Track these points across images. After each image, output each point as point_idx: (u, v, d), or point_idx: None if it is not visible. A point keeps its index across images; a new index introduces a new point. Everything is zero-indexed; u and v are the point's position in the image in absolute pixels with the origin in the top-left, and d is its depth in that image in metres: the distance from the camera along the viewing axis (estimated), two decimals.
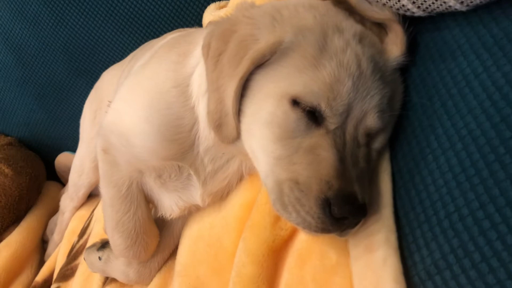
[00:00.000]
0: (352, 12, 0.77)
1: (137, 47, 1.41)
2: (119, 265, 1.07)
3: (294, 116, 0.69)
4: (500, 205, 0.53)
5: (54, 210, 1.73)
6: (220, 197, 0.94)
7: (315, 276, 0.73)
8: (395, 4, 0.74)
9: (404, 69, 0.77)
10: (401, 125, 0.75)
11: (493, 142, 0.56)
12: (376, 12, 0.76)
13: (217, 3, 1.36)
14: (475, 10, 0.66)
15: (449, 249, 0.57)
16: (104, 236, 1.12)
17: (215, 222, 0.93)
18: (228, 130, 0.77)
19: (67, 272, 1.34)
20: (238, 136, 0.77)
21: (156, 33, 1.47)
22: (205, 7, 1.36)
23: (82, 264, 1.29)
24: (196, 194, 0.93)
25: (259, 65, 0.72)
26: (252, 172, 0.90)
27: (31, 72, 1.70)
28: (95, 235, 1.32)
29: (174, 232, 1.07)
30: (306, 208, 0.65)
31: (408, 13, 0.74)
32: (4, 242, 1.57)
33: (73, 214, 1.60)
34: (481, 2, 0.63)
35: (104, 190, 0.98)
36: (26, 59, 1.67)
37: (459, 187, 0.59)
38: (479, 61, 0.63)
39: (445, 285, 0.57)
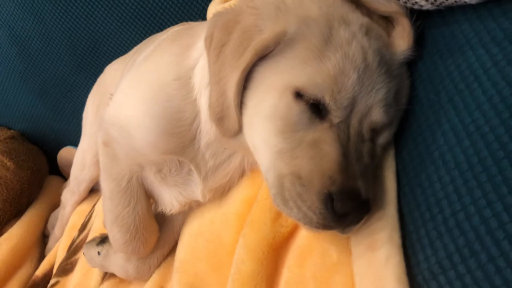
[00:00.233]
0: (358, 4, 0.75)
1: (141, 42, 1.40)
2: (118, 260, 1.06)
3: (297, 109, 0.67)
4: (508, 204, 0.51)
5: (56, 204, 1.72)
6: (221, 193, 0.92)
7: (315, 274, 0.71)
8: None
9: (411, 64, 0.75)
10: (407, 121, 0.74)
11: (503, 138, 0.54)
12: (383, 5, 0.74)
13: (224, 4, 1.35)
14: (485, 3, 0.64)
15: (454, 249, 0.55)
16: (104, 231, 1.11)
17: (215, 218, 0.92)
18: (230, 123, 0.75)
19: (67, 267, 1.33)
20: (240, 129, 0.76)
21: (160, 27, 1.45)
22: (210, 1, 1.34)
23: (82, 259, 1.28)
24: (197, 190, 0.91)
25: (262, 57, 0.70)
26: (254, 167, 0.88)
27: (35, 66, 1.69)
28: (95, 230, 1.31)
29: (174, 228, 1.06)
30: (308, 203, 0.63)
31: (416, 6, 0.72)
32: (5, 235, 1.56)
33: (74, 208, 1.58)
34: None
35: (104, 183, 0.97)
36: (30, 52, 1.66)
37: (466, 185, 0.57)
38: (488, 55, 0.61)
39: (450, 285, 0.55)
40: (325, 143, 0.65)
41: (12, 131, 1.88)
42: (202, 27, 0.88)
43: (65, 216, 1.60)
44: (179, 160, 0.89)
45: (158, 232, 1.02)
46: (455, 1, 0.66)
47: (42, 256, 1.60)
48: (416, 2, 0.71)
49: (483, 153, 0.56)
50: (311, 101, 0.66)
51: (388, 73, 0.69)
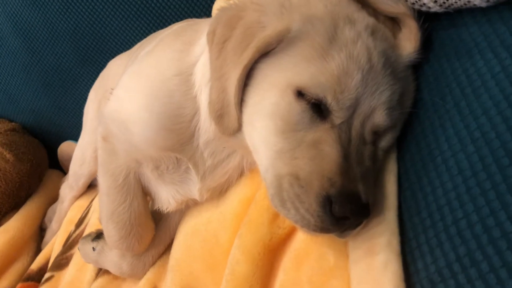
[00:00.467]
0: (365, 5, 0.74)
1: (145, 38, 1.39)
2: (112, 257, 1.05)
3: (298, 108, 0.66)
4: None
5: (54, 198, 1.71)
6: (219, 192, 0.91)
7: (311, 278, 0.70)
8: None
9: (417, 66, 0.74)
10: (411, 124, 0.72)
11: (508, 145, 0.53)
12: (391, 6, 0.72)
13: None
14: (495, 6, 0.63)
15: (455, 257, 0.54)
16: (101, 227, 1.09)
17: (213, 217, 0.91)
18: (230, 121, 0.74)
19: (62, 262, 1.32)
20: (239, 127, 0.74)
21: (165, 24, 1.43)
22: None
23: (77, 254, 1.27)
24: (194, 189, 0.90)
25: (265, 54, 0.69)
26: (253, 167, 0.87)
27: (38, 58, 1.68)
28: (92, 225, 1.30)
29: (170, 226, 1.04)
30: (306, 205, 0.62)
31: (423, 8, 0.71)
32: (2, 228, 1.55)
33: (72, 203, 1.57)
34: None
35: (101, 179, 0.96)
36: (34, 45, 1.65)
37: (469, 192, 0.55)
38: (497, 60, 0.59)
39: None
40: (326, 144, 0.64)
41: (13, 123, 1.87)
42: (206, 24, 0.87)
43: (63, 210, 1.59)
44: (177, 158, 0.88)
45: (154, 230, 1.00)
46: (464, 4, 0.64)
47: (38, 250, 1.59)
48: (424, 4, 0.69)
49: (487, 159, 0.55)
50: (313, 100, 0.65)
51: (393, 75, 0.68)
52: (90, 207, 1.43)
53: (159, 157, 0.87)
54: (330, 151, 0.63)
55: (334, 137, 0.64)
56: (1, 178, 1.59)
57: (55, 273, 1.30)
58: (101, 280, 1.10)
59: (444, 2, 0.66)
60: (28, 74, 1.74)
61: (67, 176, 1.67)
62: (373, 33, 0.68)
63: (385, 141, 0.70)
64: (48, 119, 1.85)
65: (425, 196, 0.62)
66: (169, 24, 1.37)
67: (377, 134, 0.69)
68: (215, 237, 0.88)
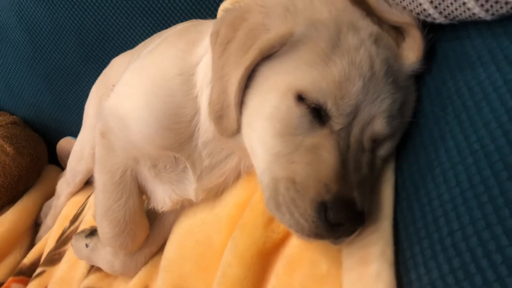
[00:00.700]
0: (370, 13, 0.73)
1: (149, 37, 1.39)
2: (105, 254, 1.04)
3: (298, 112, 0.65)
4: (508, 227, 0.49)
5: (51, 193, 1.71)
6: (215, 193, 0.90)
7: (303, 284, 0.69)
8: (415, 8, 0.70)
9: (419, 77, 0.73)
10: (410, 135, 0.71)
11: (508, 159, 0.52)
12: (396, 15, 0.72)
13: (234, 2, 1.33)
14: (500, 20, 0.62)
15: (448, 269, 0.53)
16: (95, 224, 1.09)
17: (207, 218, 0.90)
18: (229, 122, 0.74)
19: (55, 257, 1.31)
20: (238, 129, 0.74)
21: (170, 24, 1.43)
22: (222, 1, 1.33)
23: (70, 251, 1.26)
24: (190, 188, 0.90)
25: (267, 56, 0.69)
26: (250, 170, 0.86)
27: (42, 53, 1.69)
28: (86, 222, 1.30)
29: (165, 227, 1.04)
30: (301, 210, 0.61)
31: (428, 19, 0.70)
32: None
33: (68, 199, 1.57)
34: (507, 11, 0.59)
35: (97, 175, 0.95)
36: (38, 40, 1.66)
37: (466, 204, 0.55)
38: (499, 73, 0.59)
39: None
40: (324, 150, 0.63)
41: (14, 116, 1.87)
42: (210, 25, 0.87)
43: (59, 206, 1.59)
44: (175, 157, 0.87)
45: (148, 229, 1.00)
46: (469, 16, 0.63)
47: (32, 244, 1.59)
48: (429, 15, 0.69)
49: (486, 172, 0.54)
50: (313, 105, 0.64)
51: (395, 84, 0.67)
52: (86, 204, 1.43)
53: (157, 155, 0.87)
54: (328, 157, 0.63)
55: (333, 143, 0.64)
56: (0, 171, 1.59)
57: (46, 268, 1.30)
58: (92, 277, 1.10)
59: (449, 14, 0.66)
60: (31, 69, 1.75)
61: (64, 171, 1.67)
62: (376, 41, 0.68)
63: (383, 150, 0.70)
64: (48, 114, 1.85)
65: (422, 207, 0.61)
66: (174, 24, 1.37)
67: (376, 142, 0.68)
68: (208, 239, 0.87)
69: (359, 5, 0.73)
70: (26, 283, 1.32)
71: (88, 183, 1.56)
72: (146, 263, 1.03)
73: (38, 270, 1.30)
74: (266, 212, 0.76)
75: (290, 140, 0.66)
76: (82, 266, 1.17)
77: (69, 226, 1.40)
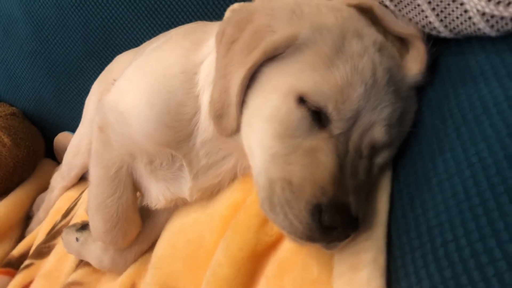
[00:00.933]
0: (375, 23, 0.74)
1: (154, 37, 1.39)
2: (95, 249, 1.03)
3: (298, 114, 0.65)
4: (502, 240, 0.48)
5: (45, 187, 1.69)
6: (210, 194, 0.90)
7: None
8: (421, 20, 0.71)
9: (420, 89, 0.74)
10: (408, 145, 0.72)
11: (505, 173, 0.52)
12: (401, 26, 0.73)
13: (241, 4, 1.34)
14: (504, 37, 0.63)
15: (439, 280, 0.53)
16: (87, 219, 1.08)
17: (200, 218, 0.90)
18: (228, 122, 0.74)
19: (44, 250, 1.30)
20: (237, 129, 0.74)
21: (176, 25, 1.42)
22: (228, 2, 1.34)
23: (59, 245, 1.26)
24: (185, 187, 0.89)
25: (270, 58, 0.69)
26: (246, 172, 0.86)
27: (46, 47, 1.69)
28: (78, 217, 1.29)
29: (157, 225, 1.03)
30: (295, 211, 0.61)
31: (433, 32, 0.71)
32: None
33: (62, 193, 1.56)
34: None
35: (93, 169, 0.95)
36: (44, 32, 1.66)
37: (461, 216, 0.54)
38: (501, 89, 0.59)
39: None
40: (322, 153, 0.63)
41: (14, 108, 1.86)
42: (216, 26, 0.87)
43: (52, 200, 1.58)
44: (172, 154, 0.87)
45: (140, 226, 0.99)
46: (474, 31, 0.64)
47: (22, 237, 1.58)
48: (434, 28, 0.70)
49: (482, 185, 0.54)
50: (314, 108, 0.65)
51: (396, 93, 0.67)
52: (79, 199, 1.42)
53: (154, 152, 0.87)
54: (326, 160, 0.63)
55: (331, 147, 0.64)
56: None
57: (35, 261, 1.28)
58: (80, 272, 1.09)
59: (454, 28, 0.67)
60: (34, 61, 1.74)
61: (60, 166, 1.66)
62: (380, 49, 0.68)
63: (381, 158, 0.70)
64: (48, 108, 1.84)
65: (416, 217, 0.61)
66: (180, 25, 1.38)
67: (374, 149, 0.68)
68: (200, 239, 0.87)
69: (365, 14, 0.74)
70: (13, 275, 1.30)
71: (82, 178, 1.55)
72: (135, 260, 1.02)
73: (26, 262, 1.29)
74: (260, 214, 0.76)
75: (289, 141, 0.66)
76: (71, 261, 1.16)
77: (61, 220, 1.39)
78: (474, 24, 0.63)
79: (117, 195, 0.92)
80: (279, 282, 0.70)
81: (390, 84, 0.67)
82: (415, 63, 0.71)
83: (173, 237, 0.93)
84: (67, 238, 1.10)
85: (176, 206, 0.97)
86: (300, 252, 0.71)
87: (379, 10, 0.73)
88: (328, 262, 0.68)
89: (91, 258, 1.05)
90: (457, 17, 0.65)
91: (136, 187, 0.95)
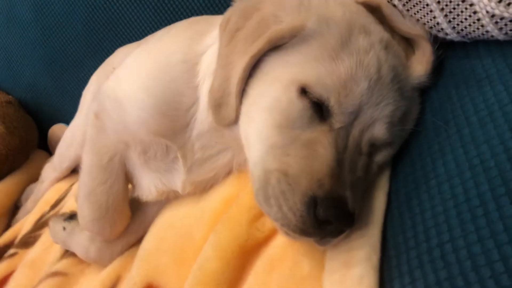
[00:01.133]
0: (383, 22, 0.73)
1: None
2: (81, 240, 1.01)
3: (299, 105, 0.64)
4: (501, 242, 0.47)
5: (36, 178, 1.66)
6: (203, 188, 0.88)
7: (281, 285, 0.66)
8: (429, 21, 0.70)
9: (423, 91, 0.73)
10: (409, 146, 0.70)
11: (506, 175, 0.51)
12: (408, 27, 0.72)
13: None
14: (511, 42, 0.62)
15: (434, 281, 0.51)
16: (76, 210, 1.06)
17: (191, 212, 0.88)
18: (227, 111, 0.72)
19: (29, 240, 1.28)
20: (235, 119, 0.73)
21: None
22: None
23: (45, 235, 1.23)
24: (178, 180, 0.88)
25: (274, 48, 0.68)
26: (242, 168, 0.84)
27: (48, 36, 1.67)
28: (67, 208, 1.27)
29: (146, 219, 1.01)
30: (290, 203, 0.59)
31: (441, 34, 0.70)
32: None
33: (52, 184, 1.53)
34: None
35: (86, 156, 0.93)
36: (46, 21, 1.64)
37: (459, 217, 0.53)
38: (506, 92, 0.58)
39: None
40: (321, 145, 0.62)
41: (10, 96, 1.84)
42: (221, 18, 0.87)
43: (41, 191, 1.55)
44: (166, 145, 0.86)
45: (129, 218, 0.97)
46: (482, 33, 0.63)
47: (8, 226, 1.54)
48: (442, 29, 0.69)
49: (483, 187, 0.53)
50: (315, 99, 0.63)
51: (400, 92, 0.67)
52: (70, 190, 1.40)
53: (148, 141, 0.85)
54: (324, 153, 0.61)
55: (331, 140, 0.62)
56: None
57: (19, 250, 1.26)
58: (65, 262, 1.06)
59: (462, 30, 0.66)
60: (34, 50, 1.73)
61: (52, 157, 1.64)
62: (386, 47, 0.68)
63: (380, 156, 0.68)
64: (45, 98, 1.82)
65: (413, 217, 0.59)
66: None
67: (374, 146, 0.67)
68: (189, 233, 0.85)
69: (373, 12, 0.73)
70: None
71: (74, 171, 1.53)
72: (122, 253, 1.00)
73: (11, 251, 1.26)
74: (253, 209, 0.75)
75: (288, 132, 0.65)
76: (56, 251, 1.13)
77: (49, 211, 1.36)
78: (482, 26, 0.62)
79: (108, 184, 0.90)
80: (268, 277, 0.68)
81: (394, 82, 0.66)
82: (420, 65, 0.71)
83: (162, 230, 0.91)
84: (54, 227, 1.08)
85: (168, 200, 0.95)
86: (291, 248, 0.69)
87: (387, 9, 0.73)
88: (320, 259, 0.66)
89: (77, 248, 1.03)
90: (466, 18, 0.64)
91: (128, 178, 0.93)
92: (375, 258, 0.59)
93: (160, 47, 0.88)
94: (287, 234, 0.63)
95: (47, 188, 1.54)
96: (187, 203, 0.90)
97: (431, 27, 0.70)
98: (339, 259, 0.62)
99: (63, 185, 1.50)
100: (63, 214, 1.11)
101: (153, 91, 0.81)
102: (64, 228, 1.05)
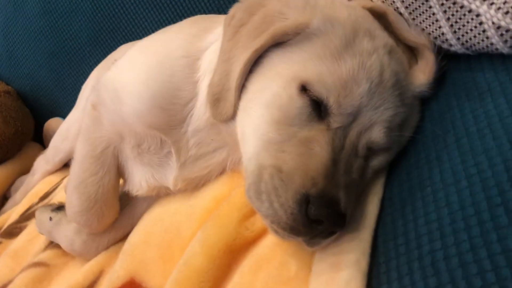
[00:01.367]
0: (387, 30, 0.73)
1: None
2: (67, 231, 0.99)
3: (299, 102, 0.64)
4: (494, 252, 0.46)
5: (27, 170, 1.65)
6: (195, 185, 0.87)
7: (267, 285, 0.65)
8: (434, 31, 0.69)
9: (424, 100, 0.72)
10: (406, 154, 0.70)
11: (503, 185, 0.50)
12: (413, 35, 0.72)
13: None
14: None
15: None
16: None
17: (181, 209, 0.86)
18: (225, 107, 0.72)
19: (15, 230, 1.26)
20: (233, 115, 0.72)
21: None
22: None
23: (31, 226, 1.21)
24: (170, 176, 0.87)
25: (277, 44, 0.68)
26: (236, 168, 0.83)
27: (52, 29, 1.66)
28: (56, 201, 1.24)
29: (135, 215, 0.99)
30: (282, 200, 0.58)
31: (445, 45, 0.70)
32: None
33: (43, 177, 1.52)
34: None
35: (79, 146, 0.92)
36: (52, 14, 1.64)
37: (453, 225, 0.52)
38: (507, 104, 0.58)
39: None
40: (317, 144, 0.61)
41: (8, 86, 1.84)
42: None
43: (31, 183, 1.54)
44: (161, 139, 0.85)
45: (118, 212, 0.96)
46: (487, 46, 0.63)
47: None
48: (446, 40, 0.69)
49: (478, 196, 0.52)
50: (315, 98, 0.63)
51: (401, 98, 0.66)
52: (60, 184, 1.38)
53: (143, 134, 0.84)
54: (320, 152, 0.60)
55: (327, 140, 0.62)
56: None
57: (3, 240, 1.24)
58: (49, 253, 1.04)
59: (467, 41, 0.66)
60: (37, 42, 1.72)
61: (45, 150, 1.63)
62: (390, 52, 0.67)
63: (377, 161, 0.68)
64: (44, 91, 1.81)
65: (406, 223, 0.58)
66: None
67: (370, 150, 0.66)
68: (177, 230, 0.83)
69: (378, 19, 0.73)
70: None
71: (66, 165, 1.51)
72: (108, 248, 0.98)
73: None
74: (243, 208, 0.74)
75: (285, 129, 0.64)
76: (41, 242, 1.11)
77: (38, 203, 1.35)
78: (487, 38, 0.62)
79: (100, 175, 0.89)
80: (253, 277, 0.67)
81: (396, 87, 0.65)
82: (422, 73, 0.70)
83: (150, 225, 0.89)
84: (41, 217, 1.06)
85: (158, 196, 0.93)
86: (279, 248, 0.68)
87: (393, 16, 0.72)
88: (307, 261, 0.65)
89: (62, 240, 1.01)
90: (471, 29, 0.64)
91: (120, 172, 0.92)
92: (364, 262, 0.58)
93: (163, 42, 0.88)
94: (276, 232, 0.62)
95: (37, 181, 1.53)
96: (178, 199, 0.89)
97: (435, 37, 0.70)
98: (327, 261, 0.61)
99: (54, 178, 1.48)
100: (51, 205, 1.10)
101: (152, 84, 0.80)
102: (50, 218, 1.04)
